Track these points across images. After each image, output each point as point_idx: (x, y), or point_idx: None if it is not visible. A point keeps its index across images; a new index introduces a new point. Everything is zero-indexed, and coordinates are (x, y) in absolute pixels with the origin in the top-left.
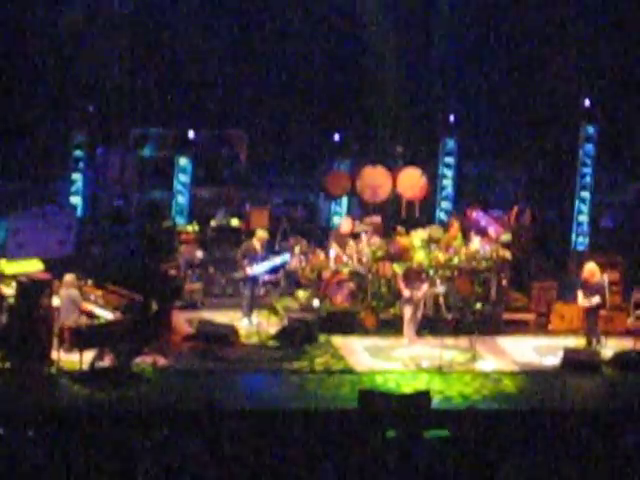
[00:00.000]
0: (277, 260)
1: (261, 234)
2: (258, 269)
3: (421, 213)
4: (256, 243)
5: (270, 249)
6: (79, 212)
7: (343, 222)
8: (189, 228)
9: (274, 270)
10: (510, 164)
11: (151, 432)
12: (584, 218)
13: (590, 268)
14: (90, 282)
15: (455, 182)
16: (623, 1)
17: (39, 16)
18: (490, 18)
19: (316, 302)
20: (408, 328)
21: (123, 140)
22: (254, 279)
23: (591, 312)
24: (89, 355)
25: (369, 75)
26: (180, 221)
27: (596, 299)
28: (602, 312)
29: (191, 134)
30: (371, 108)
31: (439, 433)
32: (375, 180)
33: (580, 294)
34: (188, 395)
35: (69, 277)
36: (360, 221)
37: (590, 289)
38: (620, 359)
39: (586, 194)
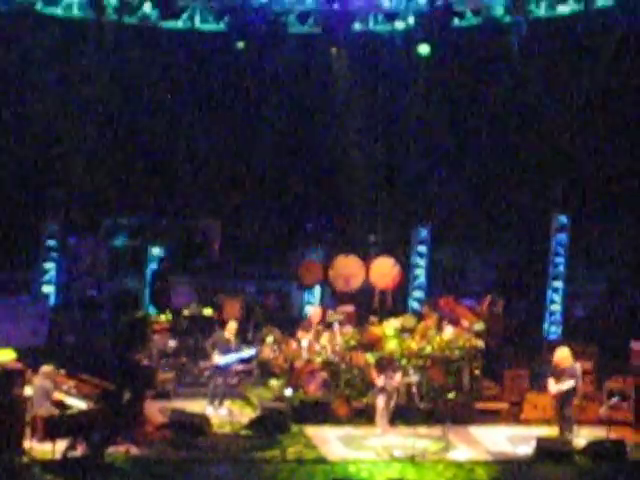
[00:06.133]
0: (244, 353)
1: (232, 325)
2: (225, 360)
3: (394, 302)
4: (227, 334)
5: (243, 339)
6: (52, 301)
7: (313, 312)
8: (162, 317)
9: (243, 361)
10: (483, 253)
11: None
12: (557, 307)
13: (562, 353)
14: (63, 371)
15: (428, 271)
16: (596, 91)
17: (10, 105)
18: (461, 107)
19: (289, 391)
20: (381, 417)
21: (95, 230)
22: (221, 369)
23: (564, 399)
24: (61, 445)
25: (341, 165)
26: (152, 310)
27: (568, 383)
28: (575, 401)
29: (164, 223)
30: (343, 198)
31: None
32: (348, 269)
33: (551, 380)
34: None
35: (46, 368)
36: (333, 310)
37: (561, 374)
38: (593, 448)
39: (559, 283)
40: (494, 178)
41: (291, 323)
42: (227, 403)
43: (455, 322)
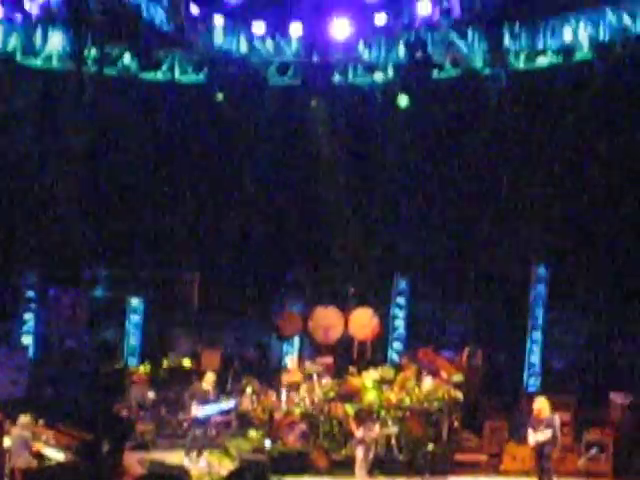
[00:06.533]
0: (223, 405)
1: (210, 377)
2: (204, 411)
3: (373, 354)
4: (205, 385)
5: (222, 390)
6: (31, 352)
7: (292, 363)
8: (141, 369)
9: (222, 412)
10: (462, 304)
11: None
12: (535, 359)
13: (540, 403)
14: (41, 422)
15: (407, 323)
16: (575, 143)
17: None
18: (440, 154)
19: (268, 443)
20: (360, 469)
21: (75, 280)
22: (200, 421)
23: (542, 451)
24: None
25: (321, 216)
26: (132, 361)
27: (546, 434)
28: (554, 452)
29: (143, 275)
30: (323, 249)
31: None
32: (327, 321)
33: (530, 431)
34: None
35: (24, 419)
36: (312, 362)
37: (540, 425)
38: None
39: (537, 335)
40: (473, 229)
41: (270, 374)
42: (206, 454)
43: (434, 373)
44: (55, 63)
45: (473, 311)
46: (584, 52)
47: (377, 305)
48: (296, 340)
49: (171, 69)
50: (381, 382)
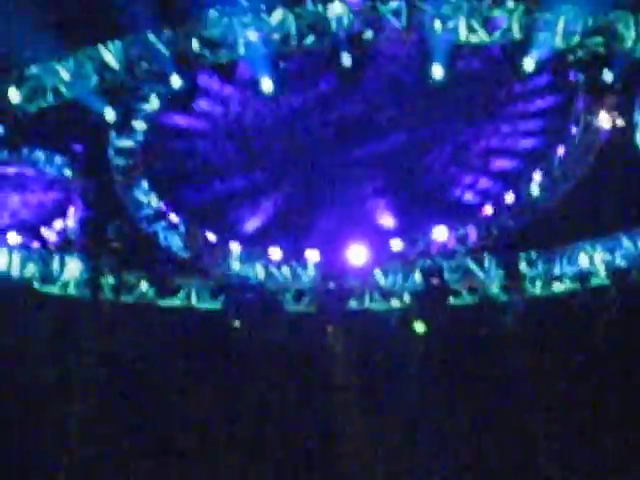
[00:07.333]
0: None
1: None
2: None
3: None
4: None
5: None
6: None
7: None
8: None
9: None
10: None
11: None
12: None
13: None
14: None
15: None
16: (592, 368)
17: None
18: (456, 384)
19: None
20: None
21: None
22: None
23: None
24: None
25: (334, 447)
26: None
27: None
28: None
29: None
30: (339, 470)
31: None
32: None
33: None
34: None
35: None
36: None
37: None
38: None
39: None
40: (490, 456)
41: None
42: None
43: None
44: (72, 290)
45: None
46: (600, 278)
47: None
48: None
49: (188, 296)
50: None
